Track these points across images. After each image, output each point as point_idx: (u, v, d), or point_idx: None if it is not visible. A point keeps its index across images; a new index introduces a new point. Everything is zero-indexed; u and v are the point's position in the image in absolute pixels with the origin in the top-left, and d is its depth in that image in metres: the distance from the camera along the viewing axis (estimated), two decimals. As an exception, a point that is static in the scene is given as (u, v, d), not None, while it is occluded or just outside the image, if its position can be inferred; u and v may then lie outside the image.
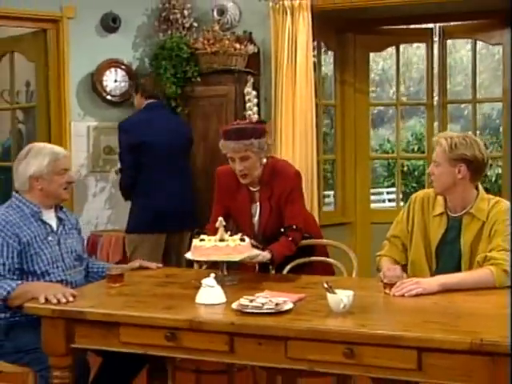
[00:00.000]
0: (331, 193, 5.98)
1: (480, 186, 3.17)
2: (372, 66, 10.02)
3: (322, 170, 5.74)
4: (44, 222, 3.19)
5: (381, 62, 7.59)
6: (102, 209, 5.18)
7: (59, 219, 3.27)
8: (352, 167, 5.65)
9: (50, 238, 3.17)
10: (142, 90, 4.80)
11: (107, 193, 5.20)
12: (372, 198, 8.32)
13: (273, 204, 3.45)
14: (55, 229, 3.23)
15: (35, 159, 3.17)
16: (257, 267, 3.51)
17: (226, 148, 3.39)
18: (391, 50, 7.64)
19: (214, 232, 3.16)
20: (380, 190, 9.15)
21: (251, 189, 3.51)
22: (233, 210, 3.55)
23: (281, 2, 4.91)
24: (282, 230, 3.40)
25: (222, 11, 5.18)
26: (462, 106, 6.55)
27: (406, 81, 9.84)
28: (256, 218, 3.51)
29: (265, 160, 3.42)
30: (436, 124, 5.85)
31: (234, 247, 3.00)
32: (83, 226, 4.92)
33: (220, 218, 3.11)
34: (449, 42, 8.24)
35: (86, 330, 2.74)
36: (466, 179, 3.08)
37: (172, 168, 4.71)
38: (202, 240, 3.05)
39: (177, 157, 4.76)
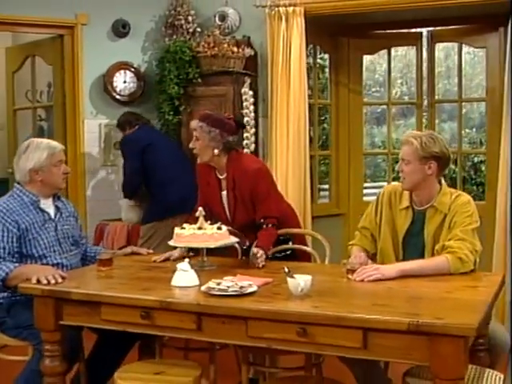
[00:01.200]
0: (327, 186, 6.02)
1: (443, 181, 3.20)
2: (376, 68, 10.04)
3: (318, 165, 5.80)
4: (42, 210, 3.30)
5: (384, 64, 7.61)
6: (112, 200, 5.27)
7: (57, 208, 3.38)
8: (346, 162, 5.69)
9: (47, 225, 3.29)
10: (128, 125, 4.99)
11: (116, 185, 5.29)
12: (374, 191, 8.37)
13: (237, 194, 3.48)
14: (53, 216, 3.34)
15: (34, 153, 3.28)
16: (239, 253, 3.59)
17: None
18: (394, 52, 7.67)
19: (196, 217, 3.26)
20: (382, 183, 9.14)
21: (219, 176, 3.55)
22: (208, 197, 3.59)
23: (276, 9, 4.96)
24: (262, 220, 3.43)
25: (223, 17, 5.24)
26: (463, 104, 6.46)
27: (408, 81, 9.79)
28: (225, 205, 3.55)
29: (216, 151, 3.42)
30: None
31: (210, 235, 3.07)
32: (94, 215, 5.12)
33: (200, 208, 3.19)
34: (449, 44, 8.31)
35: (73, 308, 2.86)
36: (433, 175, 3.12)
37: (178, 163, 4.84)
38: (182, 228, 3.14)
39: (178, 153, 4.89)
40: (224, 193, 3.53)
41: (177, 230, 3.15)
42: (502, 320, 4.35)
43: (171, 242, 3.19)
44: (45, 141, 3.40)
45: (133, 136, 4.92)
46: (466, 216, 3.06)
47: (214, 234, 3.07)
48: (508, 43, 4.60)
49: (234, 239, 3.23)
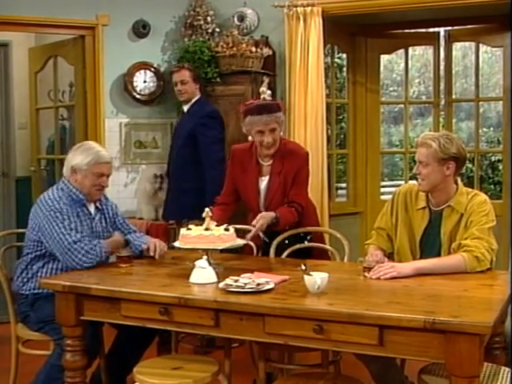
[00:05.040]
0: (344, 185, 6.01)
1: (459, 181, 3.18)
2: (394, 67, 10.02)
3: (336, 164, 5.79)
4: (85, 206, 3.35)
5: (402, 63, 7.61)
6: (133, 198, 5.30)
7: (97, 209, 3.43)
8: (363, 161, 5.67)
9: (83, 219, 3.33)
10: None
11: (137, 183, 5.32)
12: (392, 189, 8.36)
13: (282, 179, 3.48)
14: (92, 215, 3.38)
15: (81, 154, 3.32)
16: (254, 251, 3.58)
17: (257, 122, 3.40)
18: (411, 51, 7.65)
19: (222, 203, 3.45)
20: (399, 182, 9.15)
21: (262, 163, 3.54)
22: (241, 183, 3.58)
23: (294, 9, 4.95)
24: (286, 205, 3.45)
25: (241, 17, 5.25)
26: (480, 103, 6.44)
27: (425, 80, 9.75)
28: (262, 192, 3.53)
29: (282, 133, 3.49)
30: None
31: (218, 236, 2.99)
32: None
33: (206, 209, 3.10)
34: (466, 44, 8.26)
35: (93, 304, 2.89)
36: (451, 176, 3.09)
37: None
38: (188, 229, 3.05)
39: None
40: (264, 178, 3.53)
41: (183, 230, 3.06)
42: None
43: (176, 243, 3.10)
44: (99, 148, 3.39)
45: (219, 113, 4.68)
46: (483, 215, 3.04)
47: (221, 236, 2.99)
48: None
49: (241, 241, 3.15)
